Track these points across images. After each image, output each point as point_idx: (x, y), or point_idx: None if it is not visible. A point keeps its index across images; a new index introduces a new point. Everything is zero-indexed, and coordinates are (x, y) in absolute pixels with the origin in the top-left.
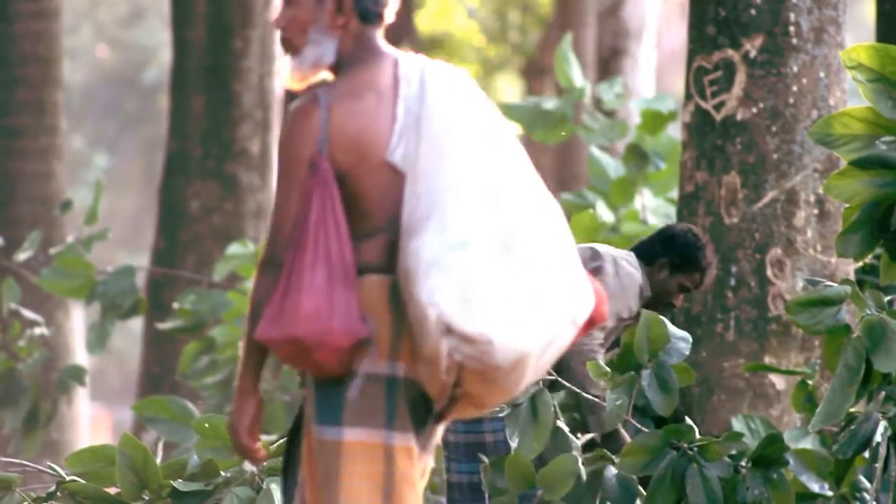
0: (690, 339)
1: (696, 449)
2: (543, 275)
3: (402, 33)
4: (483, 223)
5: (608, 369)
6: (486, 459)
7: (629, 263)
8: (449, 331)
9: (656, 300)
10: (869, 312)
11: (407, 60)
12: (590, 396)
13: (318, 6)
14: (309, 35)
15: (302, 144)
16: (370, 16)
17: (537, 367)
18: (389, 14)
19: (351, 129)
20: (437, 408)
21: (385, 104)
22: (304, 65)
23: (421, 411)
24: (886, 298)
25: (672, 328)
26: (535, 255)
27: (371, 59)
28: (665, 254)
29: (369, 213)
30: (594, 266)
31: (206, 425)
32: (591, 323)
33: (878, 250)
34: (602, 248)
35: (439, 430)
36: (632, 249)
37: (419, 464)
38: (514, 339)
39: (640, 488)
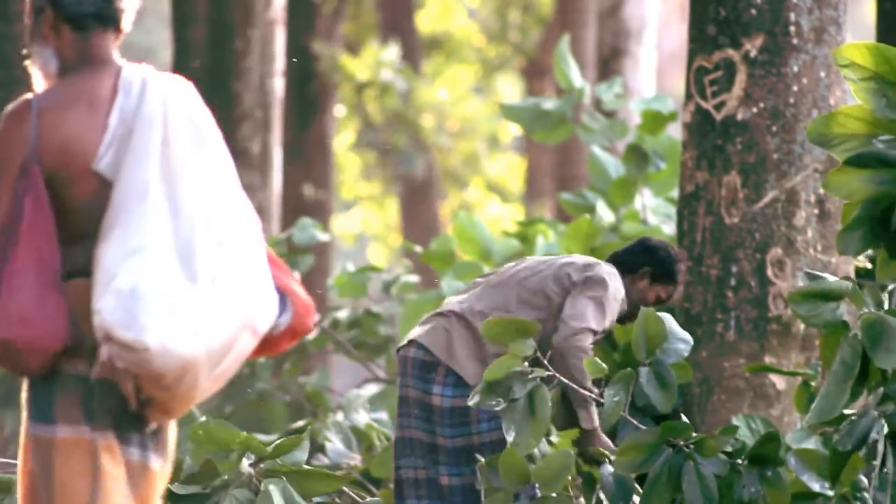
0: (691, 342)
1: (692, 446)
2: (221, 283)
3: (403, 33)
4: (162, 230)
5: (605, 366)
6: (481, 459)
7: (615, 277)
8: (108, 338)
9: (634, 308)
10: (868, 310)
11: (130, 71)
12: (583, 391)
13: (34, 21)
14: (32, 48)
15: (12, 147)
16: (82, 24)
17: (215, 375)
18: (121, 22)
19: (59, 136)
20: (133, 410)
21: (97, 114)
22: (38, 75)
23: (126, 412)
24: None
25: (674, 328)
26: (213, 263)
27: (91, 68)
28: (648, 263)
29: (76, 219)
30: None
31: (201, 432)
32: (293, 333)
33: (872, 252)
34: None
35: (167, 436)
36: (609, 260)
37: (131, 463)
38: (176, 347)
39: (637, 486)
